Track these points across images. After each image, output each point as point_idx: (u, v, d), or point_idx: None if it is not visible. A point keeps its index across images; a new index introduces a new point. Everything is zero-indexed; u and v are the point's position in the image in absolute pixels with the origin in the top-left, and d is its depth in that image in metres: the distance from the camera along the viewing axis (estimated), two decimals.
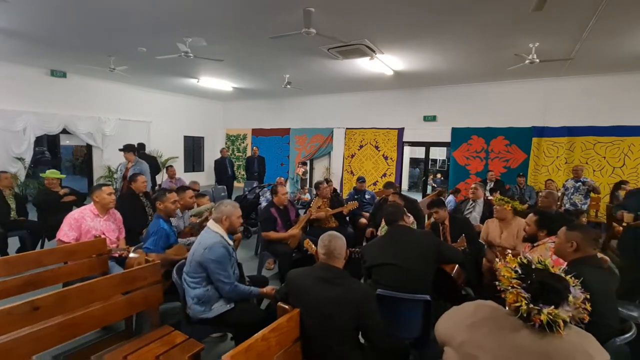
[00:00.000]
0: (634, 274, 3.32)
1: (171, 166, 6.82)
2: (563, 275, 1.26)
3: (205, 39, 5.28)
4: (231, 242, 2.40)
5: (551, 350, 1.12)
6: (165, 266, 2.60)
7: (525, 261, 1.31)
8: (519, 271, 1.27)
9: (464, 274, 2.90)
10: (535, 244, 2.72)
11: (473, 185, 4.54)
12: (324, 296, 1.75)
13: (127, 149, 5.27)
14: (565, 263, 1.98)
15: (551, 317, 1.13)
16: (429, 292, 2.33)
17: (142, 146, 5.44)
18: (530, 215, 2.83)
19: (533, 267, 1.28)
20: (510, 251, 2.22)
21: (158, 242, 2.81)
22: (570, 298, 1.19)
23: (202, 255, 2.22)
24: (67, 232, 2.97)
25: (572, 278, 1.27)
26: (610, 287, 1.90)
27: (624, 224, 3.26)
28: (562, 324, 1.12)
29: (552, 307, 1.15)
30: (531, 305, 1.16)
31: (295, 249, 3.88)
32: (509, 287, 1.25)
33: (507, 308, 1.29)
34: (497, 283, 1.31)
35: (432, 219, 3.64)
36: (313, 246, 2.85)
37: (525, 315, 1.17)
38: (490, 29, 4.57)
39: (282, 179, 5.52)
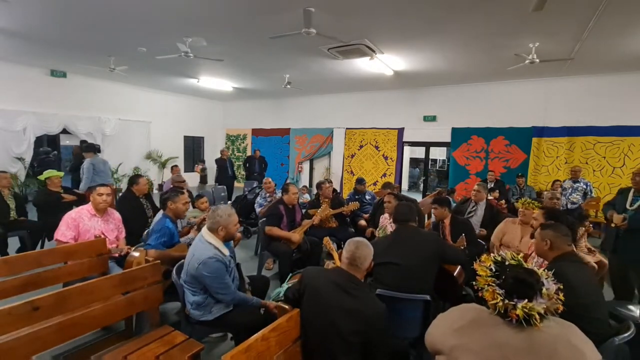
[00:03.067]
0: (616, 272, 3.34)
1: (176, 165, 6.84)
2: (536, 269, 1.29)
3: (205, 39, 5.28)
4: (227, 252, 2.31)
5: (534, 343, 1.14)
6: (165, 264, 2.60)
7: (499, 259, 1.33)
8: (493, 269, 1.30)
9: (465, 275, 2.90)
10: None
11: (476, 187, 4.34)
12: (335, 303, 1.69)
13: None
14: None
15: (526, 311, 1.15)
16: (430, 292, 2.33)
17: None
18: (538, 211, 2.86)
19: (507, 263, 1.31)
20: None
21: (160, 239, 2.79)
22: (544, 290, 1.21)
23: (196, 270, 2.15)
24: (64, 231, 2.96)
25: (545, 271, 1.29)
26: (591, 280, 1.94)
27: (612, 225, 3.27)
28: (537, 316, 1.15)
29: (526, 300, 1.17)
30: (506, 301, 1.19)
31: (295, 249, 3.88)
32: (485, 286, 1.27)
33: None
34: (473, 283, 1.34)
35: (433, 219, 3.63)
36: (332, 245, 2.85)
37: (502, 311, 1.20)
38: (490, 29, 4.57)
39: (270, 179, 5.54)
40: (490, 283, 1.26)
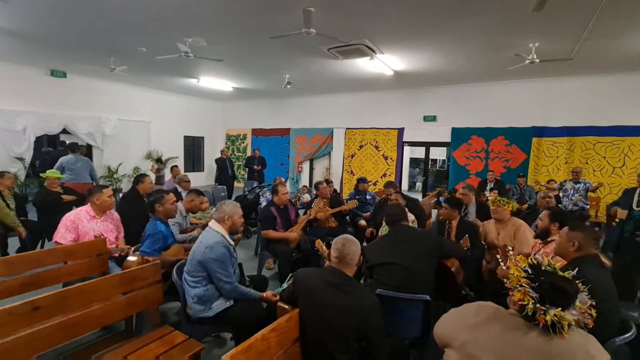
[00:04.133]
0: (618, 272, 3.33)
1: (176, 166, 6.84)
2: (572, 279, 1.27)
3: (205, 39, 5.28)
4: (232, 242, 2.40)
5: (553, 350, 1.13)
6: (163, 267, 2.60)
7: (535, 262, 1.31)
8: (529, 271, 1.28)
9: (463, 273, 2.90)
10: (548, 239, 2.71)
11: (461, 190, 4.31)
12: (329, 301, 1.70)
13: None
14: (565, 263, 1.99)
15: (556, 319, 1.13)
16: (430, 291, 2.34)
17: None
18: (544, 211, 2.86)
19: (543, 268, 1.29)
20: (510, 248, 2.21)
21: (154, 245, 2.79)
22: (577, 303, 1.20)
23: (203, 254, 2.21)
24: (64, 234, 2.95)
25: (580, 284, 1.28)
26: (611, 286, 1.90)
27: (617, 220, 3.27)
28: (566, 326, 1.13)
29: (559, 309, 1.15)
30: (538, 305, 1.17)
31: (295, 249, 3.87)
32: (517, 286, 1.26)
33: (509, 308, 1.30)
34: (505, 281, 1.32)
35: (433, 219, 3.63)
36: (324, 247, 2.85)
37: (530, 314, 1.18)
38: (490, 29, 4.57)
39: (282, 179, 5.54)
40: (524, 284, 1.24)
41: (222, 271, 2.23)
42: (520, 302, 1.22)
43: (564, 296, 1.18)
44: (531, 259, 1.33)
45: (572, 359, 1.11)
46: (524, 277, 1.26)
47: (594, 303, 1.24)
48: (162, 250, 2.83)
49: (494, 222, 3.43)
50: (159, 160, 9.18)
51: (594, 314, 1.23)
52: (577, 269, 1.36)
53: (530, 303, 1.18)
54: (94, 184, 6.41)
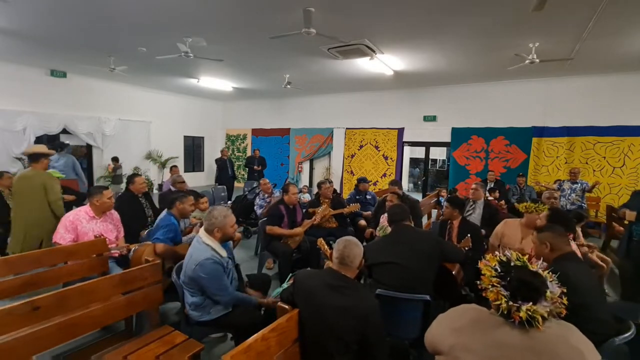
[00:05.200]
0: (629, 274, 3.31)
1: (175, 166, 6.86)
2: (541, 271, 1.28)
3: (205, 39, 5.28)
4: (224, 253, 2.30)
5: (535, 344, 1.14)
6: (170, 261, 2.60)
7: (504, 259, 1.32)
8: (499, 269, 1.29)
9: (463, 273, 2.90)
10: None
11: (473, 186, 4.33)
12: (329, 303, 1.70)
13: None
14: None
15: (530, 314, 1.15)
16: (430, 291, 2.33)
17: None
18: (544, 212, 2.87)
19: (512, 264, 1.30)
20: (504, 249, 2.20)
21: (168, 234, 2.82)
22: (548, 293, 1.21)
23: (194, 272, 2.15)
24: (63, 234, 2.95)
25: (549, 273, 1.29)
26: (594, 280, 1.95)
27: (626, 222, 3.25)
28: (540, 319, 1.15)
29: (530, 303, 1.17)
30: (510, 303, 1.19)
31: (295, 249, 3.88)
32: (489, 286, 1.27)
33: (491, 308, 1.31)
34: (478, 282, 1.33)
35: (433, 219, 3.62)
36: (326, 246, 2.84)
37: (505, 312, 1.19)
38: (490, 29, 4.57)
39: (267, 180, 5.57)
40: (495, 284, 1.25)
41: (215, 286, 2.17)
42: (495, 302, 1.23)
43: (533, 290, 1.20)
44: (499, 256, 1.34)
45: (554, 352, 1.12)
46: (494, 277, 1.27)
47: (564, 290, 1.25)
48: (173, 244, 2.86)
49: (519, 224, 3.21)
50: (115, 159, 8.84)
51: (566, 302, 1.23)
52: (556, 270, 1.37)
53: (503, 301, 1.20)
54: (79, 179, 6.45)
